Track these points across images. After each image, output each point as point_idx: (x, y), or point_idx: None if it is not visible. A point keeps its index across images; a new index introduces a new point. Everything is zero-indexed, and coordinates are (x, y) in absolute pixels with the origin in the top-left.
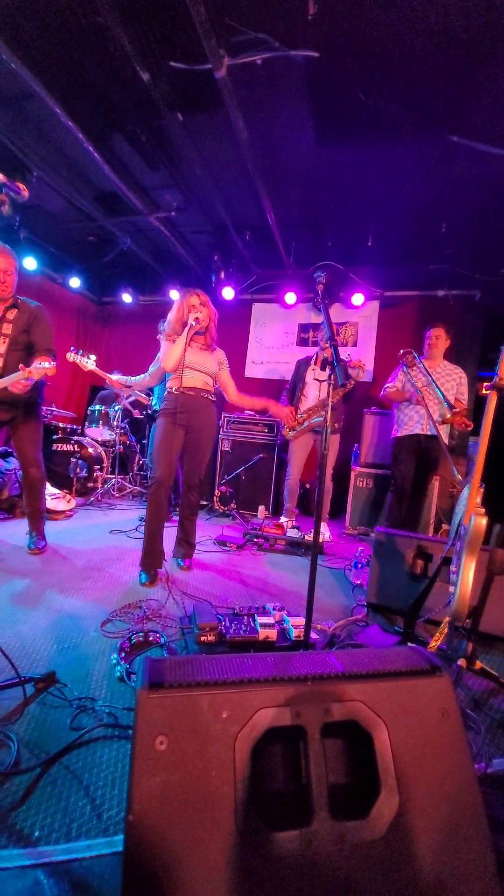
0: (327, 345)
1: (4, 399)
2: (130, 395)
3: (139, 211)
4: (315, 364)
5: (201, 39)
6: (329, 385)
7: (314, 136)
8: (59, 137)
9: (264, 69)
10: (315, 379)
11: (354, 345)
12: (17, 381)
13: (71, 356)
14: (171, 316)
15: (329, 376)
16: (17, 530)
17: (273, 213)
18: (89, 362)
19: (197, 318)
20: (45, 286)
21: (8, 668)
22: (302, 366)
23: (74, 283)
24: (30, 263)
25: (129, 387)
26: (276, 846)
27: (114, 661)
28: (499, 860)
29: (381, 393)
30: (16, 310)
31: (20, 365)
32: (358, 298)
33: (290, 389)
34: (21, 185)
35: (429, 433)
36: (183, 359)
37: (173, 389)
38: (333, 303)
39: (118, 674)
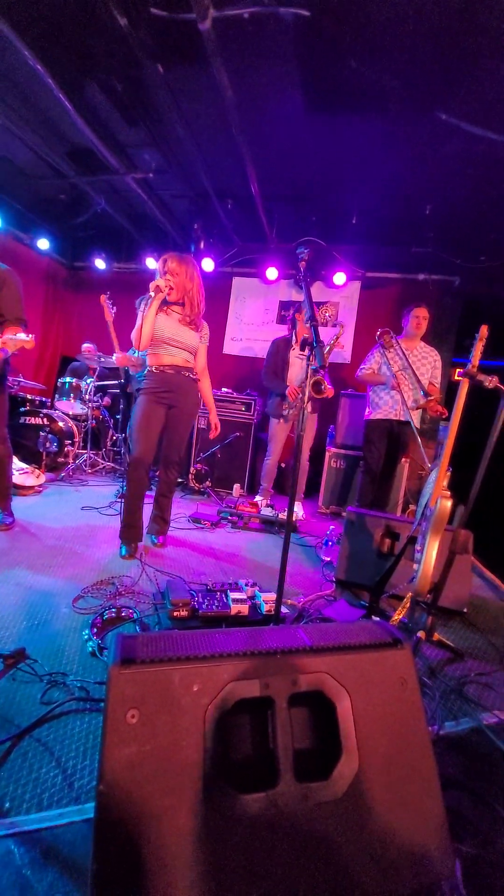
0: (307, 325)
1: None
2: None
3: (115, 170)
4: (295, 343)
5: None
6: (308, 365)
7: (302, 102)
8: (28, 84)
9: (252, 25)
10: (297, 357)
11: (334, 325)
12: None
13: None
14: (151, 286)
15: (308, 357)
16: None
17: (257, 183)
18: (112, 315)
19: (158, 286)
20: (10, 246)
21: None
22: (282, 346)
23: (43, 244)
24: None
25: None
26: (243, 807)
27: (85, 637)
28: (447, 812)
29: (357, 374)
30: None
31: None
32: (340, 278)
33: (271, 370)
34: None
35: (402, 419)
36: (150, 333)
37: (153, 368)
38: (315, 281)
39: (90, 649)
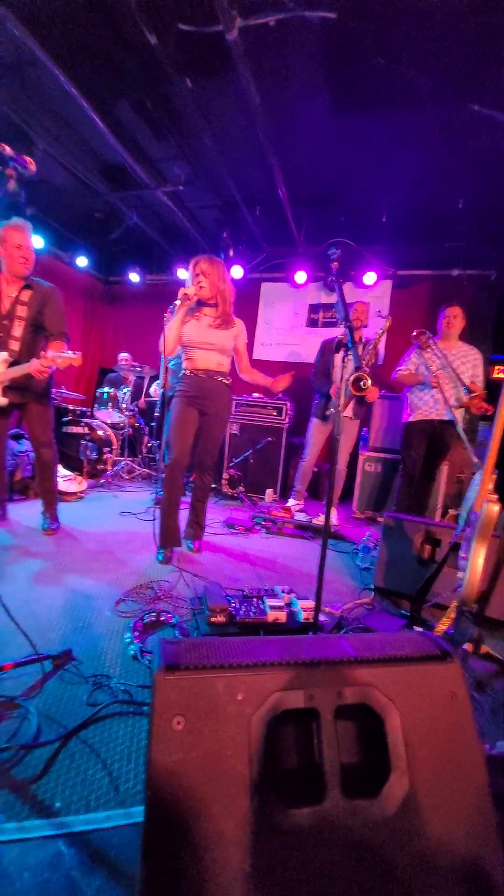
0: (341, 326)
1: (19, 383)
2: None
3: (146, 185)
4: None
5: (213, 1)
6: (342, 368)
7: (329, 103)
8: (63, 107)
9: (278, 31)
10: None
11: (365, 326)
12: (40, 368)
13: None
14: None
15: (343, 359)
16: (30, 511)
17: (284, 187)
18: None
19: (186, 294)
20: (52, 265)
21: (27, 645)
22: (329, 347)
23: (81, 261)
24: (37, 242)
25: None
26: (289, 821)
27: (127, 640)
28: (502, 835)
29: (393, 376)
30: (30, 291)
31: (42, 353)
32: (370, 277)
33: (320, 370)
34: (28, 159)
35: (444, 418)
36: (176, 337)
37: (187, 371)
38: (345, 282)
39: (132, 652)
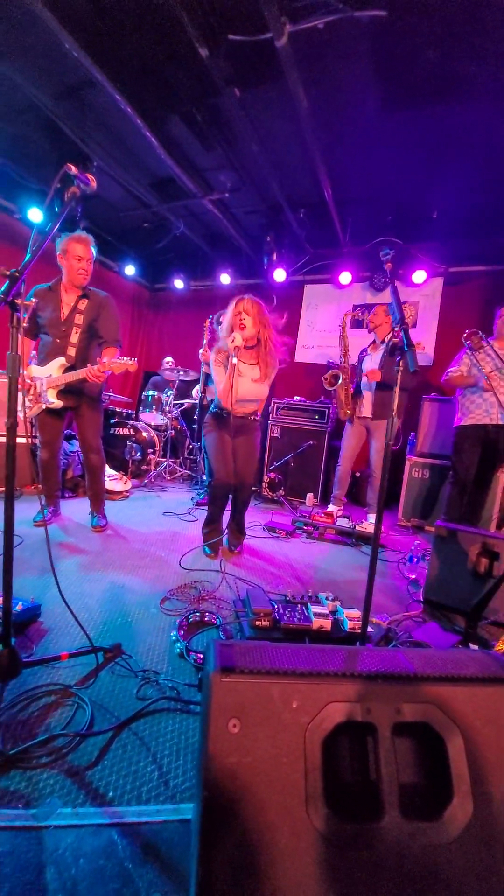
0: (396, 328)
1: (74, 387)
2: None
3: (193, 194)
4: (370, 350)
5: (262, 9)
6: (398, 372)
7: (379, 101)
8: (118, 125)
9: (327, 33)
10: (367, 355)
11: (414, 326)
12: (95, 374)
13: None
14: (224, 321)
15: (398, 362)
16: (80, 508)
17: (330, 188)
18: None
19: (237, 346)
20: (102, 274)
21: (79, 636)
22: (362, 354)
23: (129, 270)
24: None
25: None
26: (345, 836)
27: (173, 638)
28: None
29: (444, 378)
30: (87, 300)
31: (99, 359)
32: (419, 276)
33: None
34: (90, 176)
35: (498, 422)
36: (230, 389)
37: (223, 412)
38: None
39: (178, 650)
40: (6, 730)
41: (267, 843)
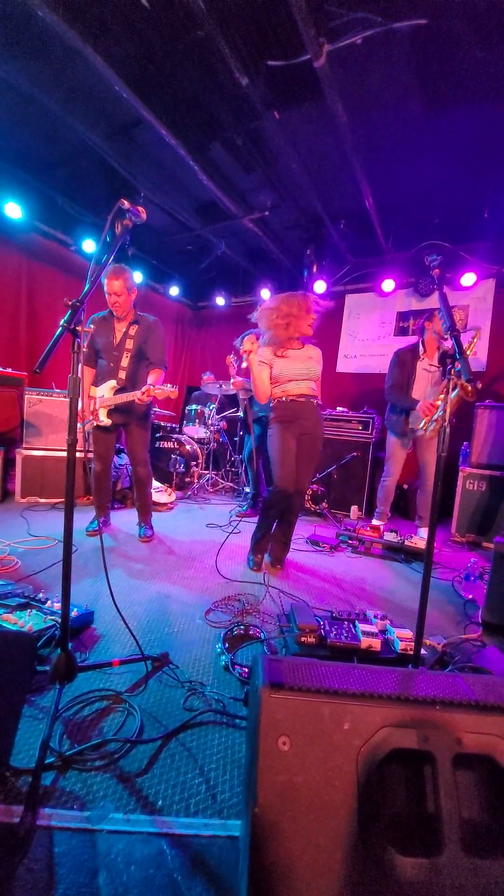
0: (447, 336)
1: (123, 407)
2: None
3: (234, 215)
4: (424, 354)
5: (301, 32)
6: (448, 380)
7: (421, 105)
8: (163, 155)
9: (365, 47)
10: (425, 370)
11: (464, 330)
12: (141, 398)
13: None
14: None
15: (449, 370)
16: (128, 519)
17: (371, 197)
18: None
19: (247, 350)
20: (149, 296)
21: (129, 643)
22: (408, 357)
23: (174, 291)
24: (136, 277)
25: None
26: (401, 868)
27: (218, 651)
28: None
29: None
30: (137, 326)
31: (145, 386)
32: (469, 278)
33: (397, 384)
34: (141, 209)
35: None
36: (266, 389)
37: (282, 398)
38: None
39: (223, 663)
40: (63, 731)
41: (318, 865)
